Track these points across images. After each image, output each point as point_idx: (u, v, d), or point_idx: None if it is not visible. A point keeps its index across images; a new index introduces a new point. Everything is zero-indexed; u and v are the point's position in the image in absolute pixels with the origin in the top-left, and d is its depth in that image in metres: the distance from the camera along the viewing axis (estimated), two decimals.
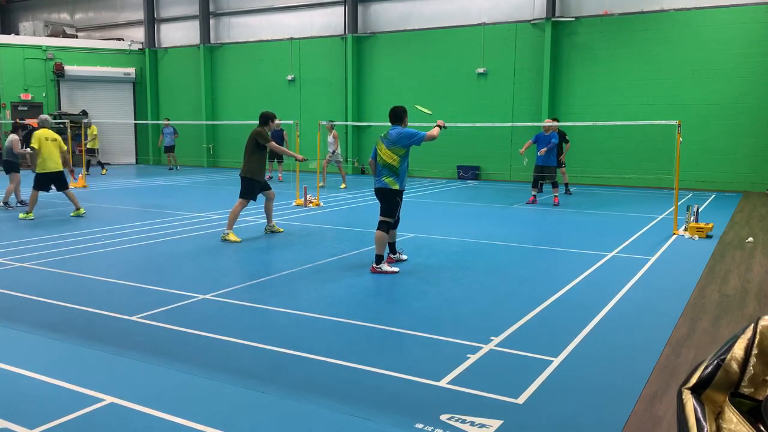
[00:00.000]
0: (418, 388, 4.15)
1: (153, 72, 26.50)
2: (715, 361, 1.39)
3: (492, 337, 5.09)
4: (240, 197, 9.53)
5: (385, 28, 21.55)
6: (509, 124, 18.00)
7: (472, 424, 3.64)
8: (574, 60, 18.52)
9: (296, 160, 10.23)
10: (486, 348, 4.86)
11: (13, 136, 12.90)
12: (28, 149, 11.78)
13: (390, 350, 4.98)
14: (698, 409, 1.36)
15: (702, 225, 9.83)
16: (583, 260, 8.07)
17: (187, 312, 5.84)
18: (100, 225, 10.76)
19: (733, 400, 1.35)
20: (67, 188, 11.81)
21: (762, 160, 16.54)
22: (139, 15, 26.52)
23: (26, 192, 12.96)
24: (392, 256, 7.85)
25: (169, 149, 23.22)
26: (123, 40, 26.91)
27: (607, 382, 4.30)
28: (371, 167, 7.74)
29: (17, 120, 18.60)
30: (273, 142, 9.61)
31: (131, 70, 26.28)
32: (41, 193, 11.91)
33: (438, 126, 7.72)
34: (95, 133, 20.95)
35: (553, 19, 18.45)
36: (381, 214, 7.52)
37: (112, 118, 25.26)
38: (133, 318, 5.63)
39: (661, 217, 11.81)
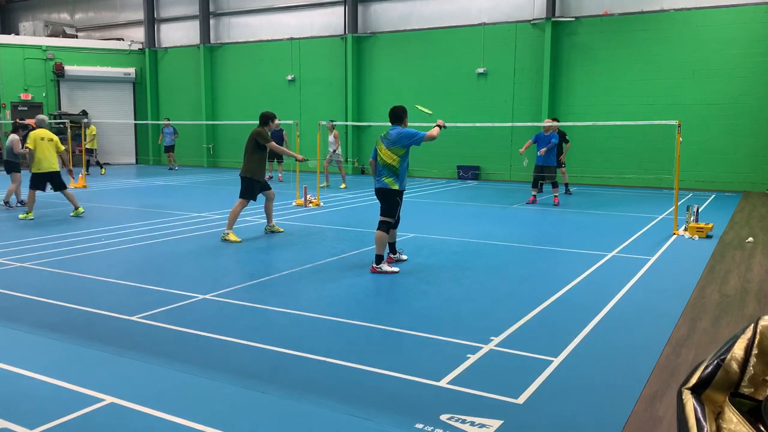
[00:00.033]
0: (418, 388, 4.15)
1: (153, 72, 26.50)
2: (715, 361, 1.38)
3: (492, 337, 5.09)
4: (240, 197, 9.54)
5: (385, 28, 21.55)
6: (509, 124, 18.00)
7: (472, 424, 3.64)
8: (574, 60, 18.52)
9: (296, 160, 10.24)
10: (486, 348, 4.86)
11: (14, 136, 12.90)
12: (26, 149, 11.80)
13: (390, 350, 4.97)
14: (698, 409, 1.36)
15: (702, 225, 9.83)
16: (583, 260, 8.07)
17: (187, 312, 5.84)
18: (100, 225, 10.76)
19: (733, 400, 1.35)
20: (65, 188, 11.81)
21: (762, 160, 16.54)
22: (139, 15, 26.53)
23: (26, 192, 12.94)
24: (392, 256, 7.85)
25: (169, 149, 23.24)
26: (123, 40, 26.91)
27: (607, 382, 4.30)
28: (371, 167, 7.74)
29: (17, 120, 18.59)
30: (273, 142, 9.60)
31: (131, 70, 26.28)
32: (40, 193, 11.98)
33: (438, 126, 7.72)
34: (94, 133, 20.97)
35: (553, 19, 18.44)
36: (381, 214, 7.53)
37: (112, 118, 25.27)
38: (133, 318, 5.64)
39: (661, 217, 11.81)
